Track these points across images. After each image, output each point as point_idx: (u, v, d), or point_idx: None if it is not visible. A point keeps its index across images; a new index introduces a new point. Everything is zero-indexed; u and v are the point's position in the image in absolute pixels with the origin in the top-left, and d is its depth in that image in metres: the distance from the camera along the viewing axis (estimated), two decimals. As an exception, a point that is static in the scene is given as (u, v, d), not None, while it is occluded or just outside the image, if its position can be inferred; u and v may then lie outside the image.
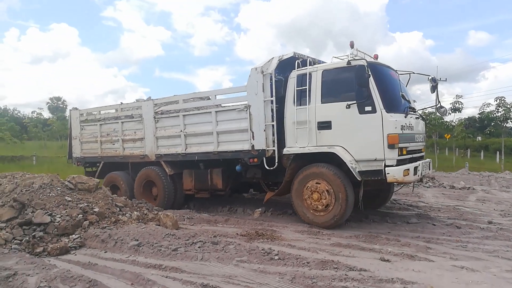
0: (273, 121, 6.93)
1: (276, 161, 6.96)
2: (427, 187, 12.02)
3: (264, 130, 6.96)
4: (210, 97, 8.10)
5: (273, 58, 7.11)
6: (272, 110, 6.93)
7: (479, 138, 44.47)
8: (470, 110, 61.37)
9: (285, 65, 7.09)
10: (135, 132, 8.92)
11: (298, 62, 6.92)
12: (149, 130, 8.58)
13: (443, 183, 12.54)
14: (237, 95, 7.68)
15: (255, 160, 7.15)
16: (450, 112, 25.87)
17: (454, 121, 27.97)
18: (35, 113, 54.56)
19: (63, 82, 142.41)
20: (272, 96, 6.91)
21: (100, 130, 9.53)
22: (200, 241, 5.39)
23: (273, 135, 6.95)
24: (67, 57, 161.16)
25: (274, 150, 6.97)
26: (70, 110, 10.67)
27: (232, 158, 7.57)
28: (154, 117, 8.50)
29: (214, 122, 7.58)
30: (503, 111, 23.95)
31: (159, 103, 8.62)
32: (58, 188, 6.59)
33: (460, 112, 27.09)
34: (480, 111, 28.25)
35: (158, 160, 8.50)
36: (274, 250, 5.00)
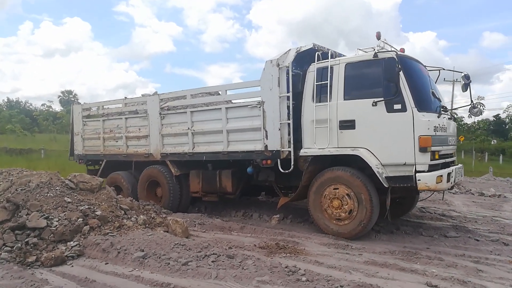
0: (289, 119, 6.27)
1: (292, 163, 6.29)
2: (453, 193, 11.20)
3: (279, 129, 6.30)
4: (220, 92, 7.45)
5: (290, 49, 6.43)
6: (288, 107, 6.26)
7: (494, 141, 43.38)
8: (484, 113, 59.71)
9: (303, 58, 6.42)
10: (139, 129, 8.31)
11: (318, 54, 6.23)
12: (154, 127, 7.96)
13: (470, 190, 11.71)
14: (250, 90, 7.04)
15: (269, 162, 6.50)
16: (482, 112, 24.72)
17: (475, 122, 26.86)
18: (45, 106, 54.61)
19: (75, 75, 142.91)
20: (288, 92, 6.24)
21: (103, 126, 8.95)
22: (213, 253, 4.71)
23: (289, 134, 6.28)
24: (79, 51, 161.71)
25: (289, 152, 6.30)
26: (72, 104, 10.10)
27: (243, 159, 6.93)
28: (160, 113, 7.88)
29: (224, 120, 6.93)
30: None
31: (165, 98, 7.99)
32: (57, 188, 5.96)
33: (481, 114, 26.02)
34: (503, 113, 27.10)
35: (164, 159, 7.89)
36: (300, 269, 4.29)
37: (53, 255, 4.63)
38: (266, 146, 6.45)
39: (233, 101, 7.60)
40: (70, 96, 73.14)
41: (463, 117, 24.07)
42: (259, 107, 6.50)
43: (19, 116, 54.81)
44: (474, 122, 26.61)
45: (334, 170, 5.99)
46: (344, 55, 6.80)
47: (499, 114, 51.06)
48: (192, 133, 7.41)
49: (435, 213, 7.93)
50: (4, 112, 56.95)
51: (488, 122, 53.13)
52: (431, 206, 8.81)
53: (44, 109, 53.23)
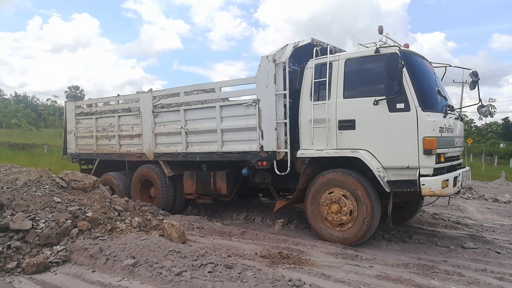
0: (285, 118, 5.91)
1: (289, 165, 5.94)
2: (466, 199, 10.70)
3: (275, 129, 5.94)
4: (214, 89, 7.05)
5: (287, 45, 6.04)
6: (284, 105, 5.91)
7: (503, 144, 42.65)
8: (495, 115, 58.63)
9: (301, 54, 6.09)
10: (132, 128, 8.00)
11: (316, 49, 5.86)
12: (147, 125, 7.63)
13: (483, 195, 11.18)
14: (245, 88, 6.68)
15: (264, 163, 6.16)
16: (492, 112, 23.95)
17: (487, 124, 26.15)
18: (50, 100, 54.60)
19: (82, 71, 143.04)
20: (285, 89, 5.89)
21: (96, 125, 8.66)
22: (211, 262, 4.30)
23: (286, 135, 5.94)
24: (87, 47, 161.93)
25: (286, 153, 5.94)
26: (65, 101, 9.83)
27: (238, 160, 6.59)
28: (153, 111, 7.55)
29: (219, 118, 6.59)
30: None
31: (158, 96, 7.66)
32: (46, 186, 5.60)
33: (493, 116, 25.31)
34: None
35: (157, 159, 7.58)
36: (305, 283, 3.88)
37: (35, 261, 4.25)
38: (262, 146, 6.11)
39: (228, 99, 7.24)
40: (77, 91, 73.15)
41: (474, 120, 23.33)
42: (255, 106, 6.16)
43: (25, 110, 54.88)
44: (486, 124, 25.90)
45: (324, 174, 5.70)
46: (344, 51, 6.44)
47: (508, 117, 50.16)
48: (185, 132, 7.09)
49: (449, 220, 7.44)
50: (11, 107, 57.04)
51: (497, 125, 52.38)
52: (444, 212, 8.33)
53: (49, 104, 53.22)
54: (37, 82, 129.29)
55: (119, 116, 8.23)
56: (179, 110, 7.16)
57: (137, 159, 7.92)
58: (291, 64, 5.98)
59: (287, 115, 5.92)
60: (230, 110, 6.59)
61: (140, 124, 7.77)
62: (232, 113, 6.54)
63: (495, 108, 24.49)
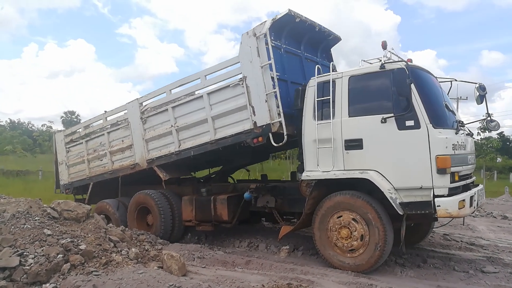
0: (274, 88, 5.73)
1: (285, 134, 5.67)
2: (474, 217, 10.36)
3: (266, 101, 5.80)
4: (200, 79, 6.84)
5: (266, 20, 6.00)
6: (272, 78, 5.75)
7: (499, 159, 42.59)
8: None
9: (281, 30, 6.25)
10: (122, 141, 7.86)
11: (318, 67, 5.73)
12: (137, 134, 7.51)
13: (491, 212, 10.88)
14: (230, 70, 6.56)
15: (260, 139, 5.98)
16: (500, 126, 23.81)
17: (491, 138, 25.94)
18: (45, 126, 54.40)
19: (78, 96, 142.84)
20: (269, 60, 5.73)
21: (86, 148, 8.51)
22: (214, 298, 3.94)
23: (278, 106, 5.73)
24: (83, 72, 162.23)
25: (280, 123, 5.70)
26: (54, 133, 9.60)
27: (232, 144, 6.39)
28: (141, 118, 7.44)
29: (208, 107, 6.51)
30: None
31: (145, 100, 7.58)
32: (36, 218, 5.23)
33: (490, 132, 25.11)
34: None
35: (151, 166, 7.37)
36: (319, 320, 3.52)
37: (22, 303, 3.86)
38: (255, 122, 5.98)
39: (213, 85, 6.96)
40: (73, 116, 72.90)
41: (495, 131, 22.93)
42: (242, 84, 6.07)
43: (21, 137, 54.42)
44: (485, 139, 25.72)
45: (331, 197, 5.41)
46: (331, 32, 7.05)
47: (503, 131, 50.35)
48: (176, 130, 6.98)
49: (461, 241, 7.12)
50: (6, 133, 56.55)
51: (498, 141, 52.51)
52: (454, 232, 8.00)
53: (44, 130, 53.03)
54: (33, 108, 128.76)
55: (108, 133, 8.10)
56: (167, 109, 7.06)
57: (130, 171, 7.71)
58: (272, 38, 5.90)
59: (276, 84, 5.75)
60: (218, 96, 6.46)
61: (130, 135, 7.65)
62: (220, 98, 6.42)
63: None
